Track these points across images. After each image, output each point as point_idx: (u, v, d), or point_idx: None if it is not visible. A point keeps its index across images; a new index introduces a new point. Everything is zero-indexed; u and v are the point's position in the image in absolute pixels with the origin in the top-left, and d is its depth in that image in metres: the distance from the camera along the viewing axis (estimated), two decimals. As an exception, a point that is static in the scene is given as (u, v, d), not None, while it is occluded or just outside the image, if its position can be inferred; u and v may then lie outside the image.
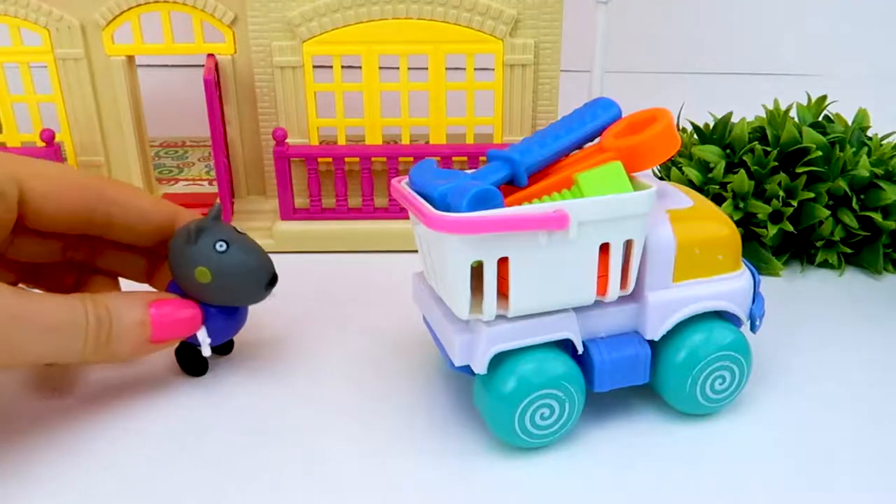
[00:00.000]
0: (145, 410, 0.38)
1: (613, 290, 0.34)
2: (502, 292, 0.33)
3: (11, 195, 0.35)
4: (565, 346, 0.35)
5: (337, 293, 0.47)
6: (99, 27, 0.51)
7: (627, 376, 0.35)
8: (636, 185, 0.33)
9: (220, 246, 0.36)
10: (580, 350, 0.35)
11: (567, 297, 0.34)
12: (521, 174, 0.34)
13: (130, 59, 0.53)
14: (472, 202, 0.31)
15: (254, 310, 0.41)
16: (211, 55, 0.52)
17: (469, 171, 0.35)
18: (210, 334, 0.38)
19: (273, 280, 0.38)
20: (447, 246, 0.31)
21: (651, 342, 0.36)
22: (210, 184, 0.59)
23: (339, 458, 0.35)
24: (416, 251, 0.36)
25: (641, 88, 0.86)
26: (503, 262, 0.32)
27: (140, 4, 0.51)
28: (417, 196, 0.33)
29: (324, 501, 0.33)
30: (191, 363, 0.40)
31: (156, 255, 0.41)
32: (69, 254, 0.40)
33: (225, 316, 0.38)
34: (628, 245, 0.33)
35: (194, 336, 0.37)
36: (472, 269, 0.32)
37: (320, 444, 0.36)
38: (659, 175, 0.56)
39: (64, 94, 0.53)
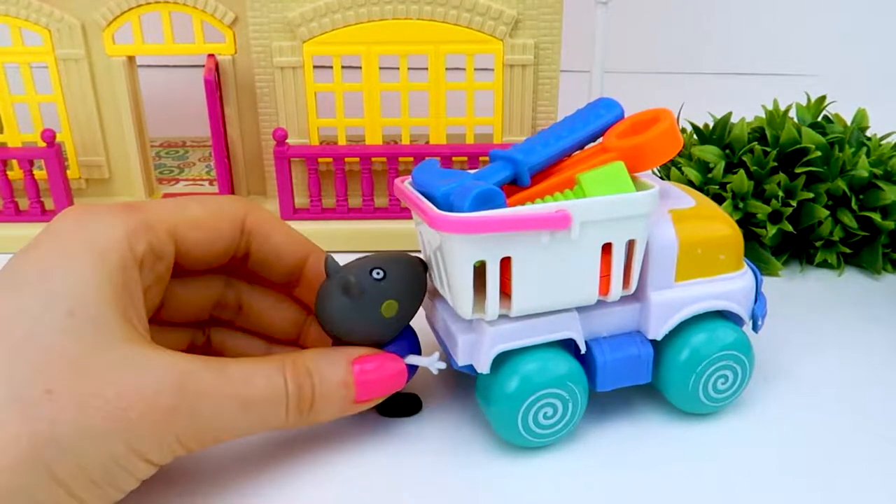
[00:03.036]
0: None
1: (616, 289, 0.34)
2: (505, 292, 0.33)
3: (170, 253, 0.33)
4: (568, 345, 0.35)
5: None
6: (100, 27, 0.51)
7: (630, 376, 0.35)
8: (639, 186, 0.33)
9: (378, 274, 0.34)
10: (583, 350, 0.35)
11: (569, 296, 0.34)
12: (524, 174, 0.34)
13: (131, 59, 0.53)
14: (474, 202, 0.31)
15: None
16: (211, 55, 0.52)
17: (472, 171, 0.35)
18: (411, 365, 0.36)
19: (425, 264, 0.36)
20: (450, 246, 0.31)
21: (653, 342, 0.36)
22: (210, 184, 0.59)
23: (341, 457, 0.35)
24: (417, 251, 0.36)
25: (641, 88, 0.86)
26: (506, 262, 0.32)
27: (141, 5, 0.51)
28: (421, 196, 0.33)
29: (326, 500, 0.33)
30: (403, 405, 0.38)
31: (303, 310, 0.38)
32: (216, 312, 0.37)
33: (411, 342, 0.36)
34: (630, 245, 0.33)
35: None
36: (475, 268, 0.32)
37: (322, 443, 0.36)
38: (659, 175, 0.56)
39: (65, 95, 0.53)
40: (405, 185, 0.35)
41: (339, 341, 0.35)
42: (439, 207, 0.32)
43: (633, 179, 0.33)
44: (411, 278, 0.35)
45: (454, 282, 0.32)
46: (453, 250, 0.31)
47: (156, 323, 0.35)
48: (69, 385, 0.27)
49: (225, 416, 0.30)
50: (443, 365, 0.35)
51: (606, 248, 0.33)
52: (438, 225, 0.31)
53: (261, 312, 0.38)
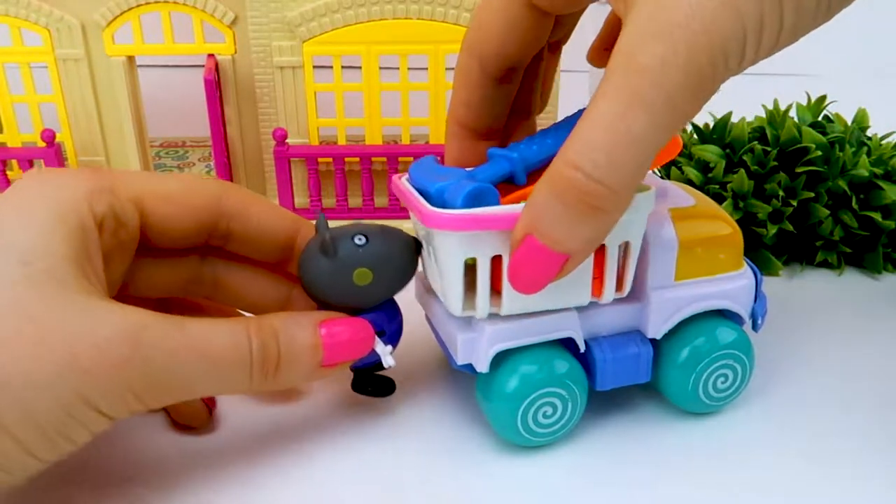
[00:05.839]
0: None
1: (608, 292, 0.34)
2: (498, 290, 0.33)
3: (133, 221, 0.33)
4: (567, 344, 0.35)
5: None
6: (99, 27, 0.51)
7: (629, 375, 0.35)
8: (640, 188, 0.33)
9: (360, 240, 0.33)
10: (582, 349, 0.35)
11: (560, 298, 0.33)
12: (521, 172, 0.34)
13: (131, 59, 0.53)
14: (467, 199, 0.31)
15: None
16: (211, 55, 0.52)
17: (469, 169, 0.35)
18: (387, 340, 0.35)
19: (418, 244, 0.35)
20: (440, 242, 0.31)
21: (653, 341, 0.36)
22: (210, 184, 0.59)
23: (342, 456, 0.35)
24: (418, 250, 0.36)
25: (641, 89, 0.86)
26: (498, 261, 0.32)
27: (140, 5, 0.51)
28: (415, 192, 0.33)
29: (326, 500, 0.33)
30: (375, 384, 0.37)
31: (288, 285, 0.38)
32: (192, 286, 0.37)
33: (389, 315, 0.35)
34: (625, 247, 0.33)
35: (371, 361, 0.35)
36: (469, 266, 0.32)
37: (323, 442, 0.36)
38: (659, 174, 0.56)
39: (64, 95, 0.53)
40: (402, 181, 0.35)
41: (320, 305, 0.35)
42: (433, 204, 0.32)
43: None
44: (396, 254, 0.34)
45: (445, 278, 0.32)
46: (443, 246, 0.31)
47: (122, 299, 0.34)
48: (18, 331, 0.27)
49: (183, 373, 0.30)
50: (392, 362, 0.35)
51: (601, 249, 0.33)
52: (430, 221, 0.31)
53: (240, 289, 0.37)
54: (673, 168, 0.53)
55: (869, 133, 0.54)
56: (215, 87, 0.51)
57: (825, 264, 0.51)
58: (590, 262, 0.33)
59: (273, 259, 0.36)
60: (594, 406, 0.37)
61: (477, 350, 0.33)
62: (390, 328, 0.35)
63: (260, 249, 0.36)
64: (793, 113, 0.54)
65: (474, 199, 0.31)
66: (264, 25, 0.51)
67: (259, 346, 0.31)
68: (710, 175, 0.50)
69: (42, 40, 0.51)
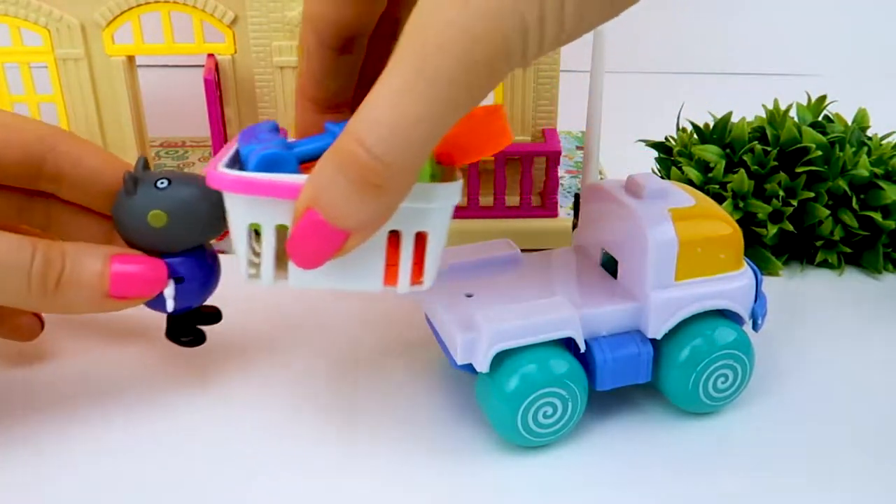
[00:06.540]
0: (135, 410, 0.38)
1: (403, 282, 0.32)
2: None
3: None
4: (567, 344, 0.35)
5: (339, 292, 0.47)
6: (99, 27, 0.51)
7: (629, 375, 0.35)
8: (451, 177, 0.32)
9: (162, 183, 0.34)
10: (582, 348, 0.35)
11: (350, 279, 0.32)
12: None
13: (131, 59, 0.53)
14: (259, 164, 0.30)
15: (254, 307, 0.40)
16: (211, 55, 0.52)
17: (291, 139, 0.34)
18: (181, 291, 0.35)
19: None
20: (227, 204, 0.31)
21: (653, 341, 0.36)
22: (210, 184, 0.59)
23: (341, 456, 0.35)
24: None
25: (641, 88, 0.86)
26: None
27: (140, 4, 0.51)
28: (227, 154, 0.32)
29: (326, 500, 0.33)
30: (185, 332, 0.38)
31: (112, 232, 0.38)
32: (24, 216, 0.37)
33: (194, 264, 0.35)
34: (422, 237, 0.32)
35: (163, 304, 0.35)
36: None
37: (323, 442, 0.36)
38: (660, 174, 0.56)
39: (64, 95, 0.53)
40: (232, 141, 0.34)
41: (128, 245, 0.35)
42: (244, 168, 0.31)
43: (449, 170, 0.32)
44: (193, 201, 0.34)
45: (233, 241, 0.32)
46: (228, 209, 0.31)
47: None
48: None
49: None
50: (171, 306, 0.35)
51: (396, 236, 0.32)
52: (211, 182, 0.30)
53: (70, 220, 0.38)
54: (673, 168, 0.53)
55: (869, 133, 0.54)
56: (215, 87, 0.51)
57: (825, 264, 0.51)
58: (381, 246, 0.31)
59: (104, 209, 0.37)
60: (595, 406, 0.37)
61: (477, 350, 0.33)
62: (194, 277, 0.35)
63: (92, 195, 0.36)
64: (793, 113, 0.54)
65: (268, 165, 0.30)
66: (264, 25, 0.51)
67: (42, 261, 0.32)
68: (710, 175, 0.50)
69: (42, 40, 0.51)
